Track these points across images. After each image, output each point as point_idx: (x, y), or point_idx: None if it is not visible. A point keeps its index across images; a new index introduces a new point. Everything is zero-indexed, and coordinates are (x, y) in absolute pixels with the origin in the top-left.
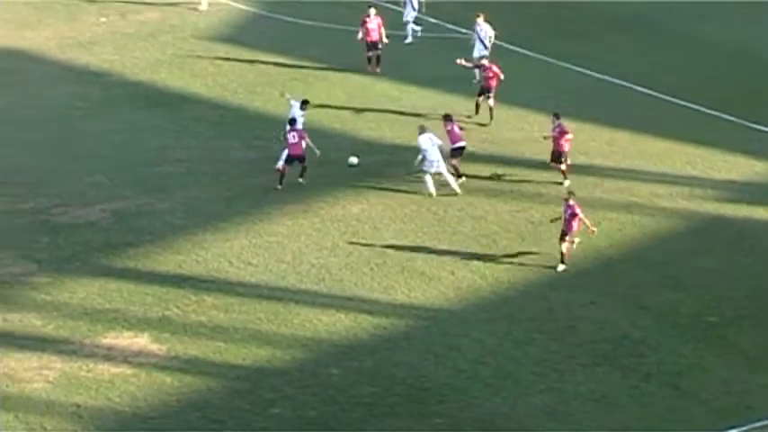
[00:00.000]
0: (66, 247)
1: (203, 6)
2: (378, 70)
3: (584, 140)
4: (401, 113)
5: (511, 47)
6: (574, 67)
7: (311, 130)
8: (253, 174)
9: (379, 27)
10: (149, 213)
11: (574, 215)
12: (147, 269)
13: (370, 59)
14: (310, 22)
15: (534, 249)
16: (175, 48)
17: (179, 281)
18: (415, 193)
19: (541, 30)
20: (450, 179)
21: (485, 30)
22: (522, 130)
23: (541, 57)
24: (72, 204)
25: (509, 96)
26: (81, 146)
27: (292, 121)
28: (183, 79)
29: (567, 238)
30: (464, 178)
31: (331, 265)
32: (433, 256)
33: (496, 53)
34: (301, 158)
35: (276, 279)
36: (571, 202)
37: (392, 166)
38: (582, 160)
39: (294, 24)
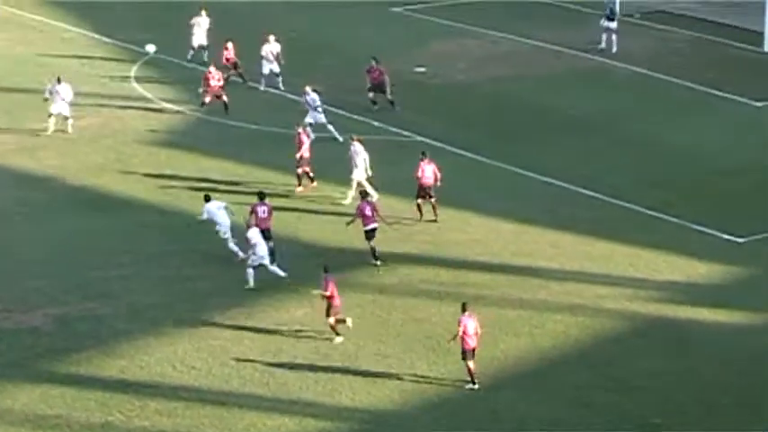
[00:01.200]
0: (7, 353)
1: (49, 131)
2: (314, 185)
3: (527, 242)
4: (342, 215)
5: (454, 149)
6: (518, 170)
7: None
8: (196, 278)
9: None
10: (92, 318)
11: (464, 330)
12: (89, 374)
13: (308, 176)
14: (254, 126)
15: (477, 351)
16: (118, 152)
17: (122, 386)
18: (361, 294)
19: (485, 133)
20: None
21: (358, 151)
22: (465, 233)
23: (485, 159)
24: (14, 310)
25: (452, 199)
26: (23, 251)
27: (261, 195)
28: (125, 184)
29: (467, 355)
30: (380, 262)
31: (275, 369)
32: (377, 358)
33: (437, 156)
34: (269, 235)
35: (220, 383)
36: (463, 314)
37: (336, 270)
38: (526, 262)
39: (238, 128)
